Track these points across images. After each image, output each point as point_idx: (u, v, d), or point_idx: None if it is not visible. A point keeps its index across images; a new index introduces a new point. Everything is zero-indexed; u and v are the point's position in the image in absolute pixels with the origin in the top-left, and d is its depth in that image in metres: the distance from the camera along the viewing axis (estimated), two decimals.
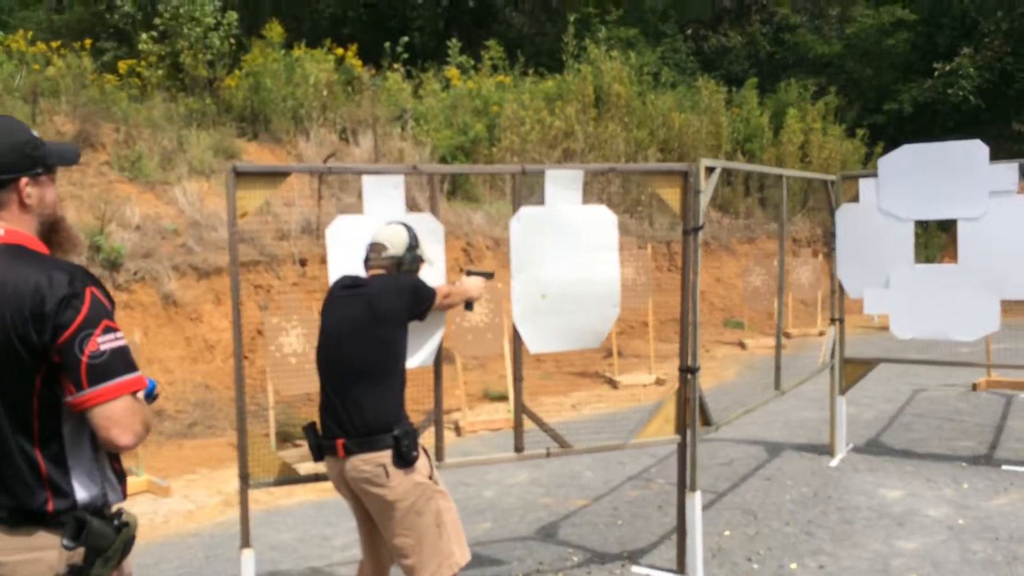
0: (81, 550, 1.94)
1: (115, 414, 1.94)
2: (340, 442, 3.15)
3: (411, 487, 3.14)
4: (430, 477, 3.22)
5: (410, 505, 3.14)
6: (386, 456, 3.12)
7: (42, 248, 2.06)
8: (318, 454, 3.28)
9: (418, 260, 3.49)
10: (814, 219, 17.85)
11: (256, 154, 11.18)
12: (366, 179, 3.92)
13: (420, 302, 3.36)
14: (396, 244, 3.40)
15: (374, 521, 3.30)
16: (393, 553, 3.27)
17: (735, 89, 19.39)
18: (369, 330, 3.20)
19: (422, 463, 3.20)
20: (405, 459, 3.12)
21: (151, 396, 2.16)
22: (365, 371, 3.18)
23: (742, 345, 12.62)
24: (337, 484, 3.31)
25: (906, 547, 4.73)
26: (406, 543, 3.17)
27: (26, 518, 1.95)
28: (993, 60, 21.33)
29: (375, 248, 3.41)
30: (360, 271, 3.48)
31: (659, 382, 9.88)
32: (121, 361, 1.97)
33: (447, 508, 3.26)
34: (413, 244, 3.45)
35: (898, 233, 5.94)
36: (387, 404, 3.19)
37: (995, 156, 5.78)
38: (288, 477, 3.84)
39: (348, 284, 3.37)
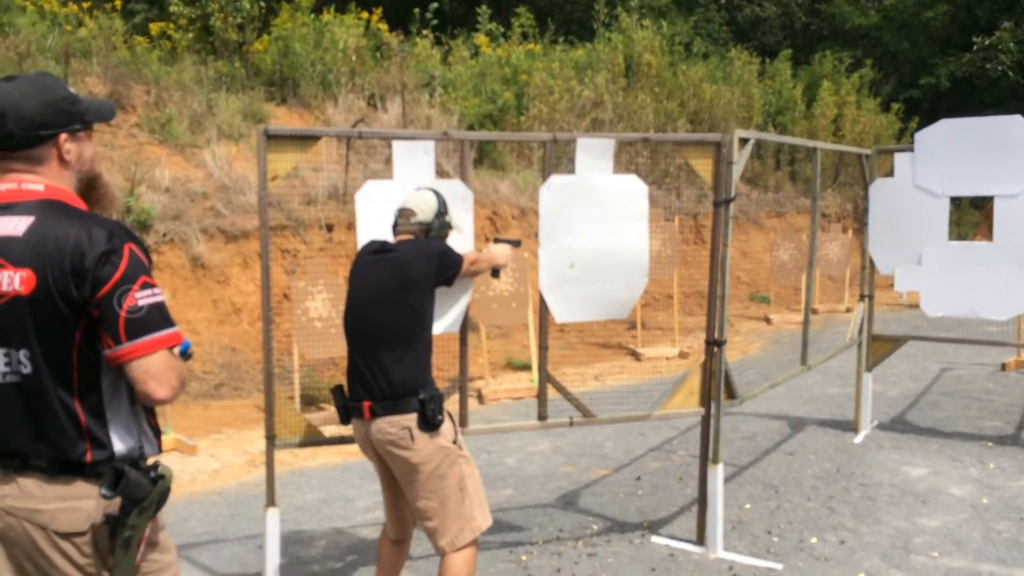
0: (118, 500, 1.97)
1: (152, 368, 1.97)
2: (366, 405, 3.18)
3: (435, 451, 3.17)
4: (454, 442, 3.24)
5: (434, 468, 3.16)
6: (411, 419, 3.14)
7: (81, 205, 2.08)
8: (345, 416, 3.31)
9: (446, 226, 3.49)
10: (844, 194, 17.62)
11: (285, 119, 11.19)
12: (396, 144, 3.91)
13: (448, 268, 3.36)
14: (425, 210, 3.40)
15: (398, 484, 3.34)
16: (416, 516, 3.30)
17: (768, 60, 19.09)
18: (397, 295, 3.21)
19: (447, 427, 3.23)
20: (430, 423, 3.15)
21: (185, 355, 2.19)
22: (392, 336, 3.20)
23: (768, 320, 12.54)
24: (363, 446, 3.34)
25: (929, 525, 4.71)
26: (429, 506, 3.20)
27: (65, 468, 1.99)
28: None
29: (404, 214, 3.41)
30: (389, 236, 3.49)
31: (683, 355, 9.85)
32: (159, 316, 2.00)
33: (470, 473, 3.28)
34: (442, 210, 3.45)
35: (933, 209, 5.84)
36: (414, 369, 3.21)
37: None
38: (313, 439, 3.88)
39: (376, 249, 3.37)
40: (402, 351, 3.19)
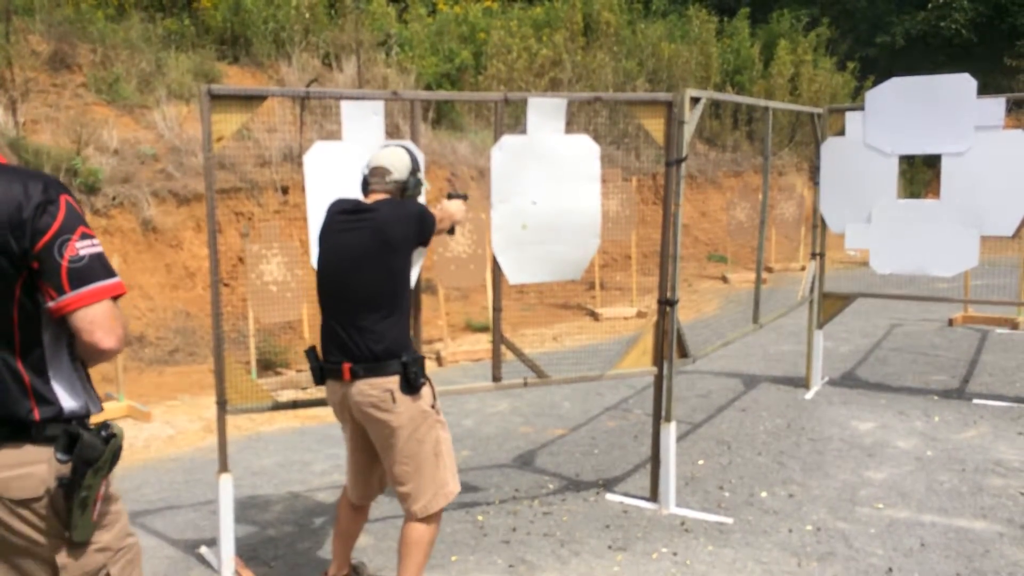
0: (69, 463, 1.96)
1: (97, 317, 1.95)
2: (347, 366, 3.11)
3: (416, 414, 3.14)
4: (433, 406, 3.22)
5: (412, 432, 3.13)
6: (394, 382, 3.09)
7: (1, 158, 2.04)
8: (320, 378, 3.25)
9: (420, 184, 3.40)
10: (801, 153, 17.78)
11: (237, 78, 10.95)
12: (345, 105, 3.86)
13: (426, 229, 3.28)
14: (400, 168, 3.30)
15: (370, 449, 3.30)
16: (391, 479, 3.26)
17: (727, 19, 19.07)
18: (378, 258, 3.12)
19: (426, 391, 3.20)
20: (412, 385, 3.11)
21: None
22: (373, 298, 3.12)
23: (724, 279, 12.68)
24: (339, 409, 3.27)
25: (875, 477, 4.84)
26: (405, 471, 3.17)
27: (13, 432, 1.96)
28: None
29: (378, 172, 3.29)
30: (340, 195, 3.40)
31: (640, 315, 9.94)
32: (100, 266, 1.98)
33: (445, 439, 3.27)
34: (415, 167, 3.37)
35: (882, 168, 5.92)
36: (395, 331, 3.15)
37: (986, 91, 5.74)
38: (266, 404, 3.86)
39: (349, 209, 3.24)
40: (383, 313, 3.13)
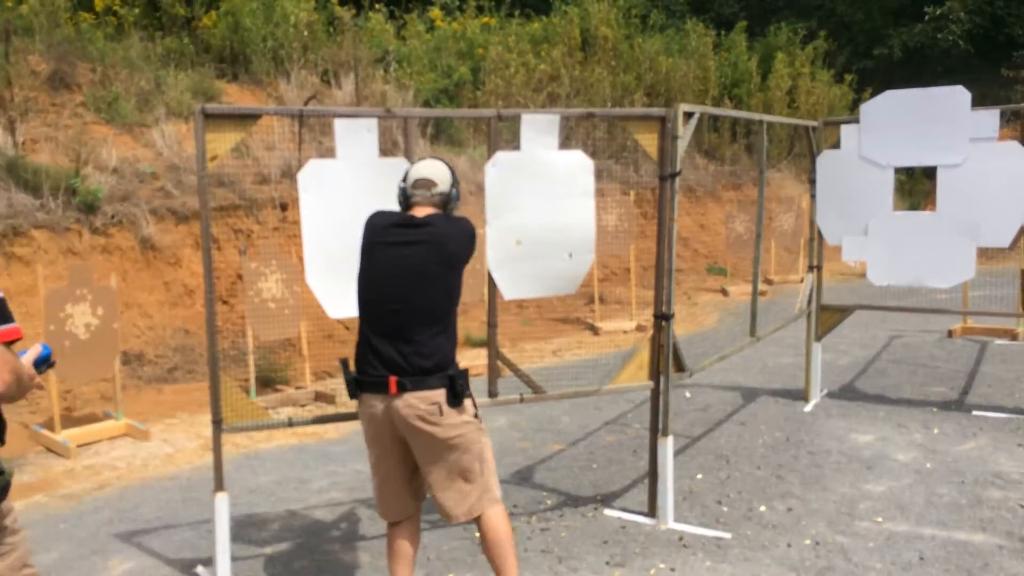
0: None
1: None
2: (393, 379, 3.09)
3: (460, 425, 3.17)
4: (475, 416, 3.27)
5: (458, 443, 3.16)
6: (441, 395, 3.11)
7: None
8: (355, 391, 3.23)
9: (459, 196, 3.41)
10: (800, 165, 17.80)
11: (236, 96, 11.00)
12: (338, 123, 3.88)
13: (474, 247, 3.31)
14: (443, 180, 3.31)
15: (408, 460, 3.27)
16: (433, 487, 3.25)
17: (724, 33, 19.14)
18: (437, 273, 3.13)
19: (469, 402, 3.24)
20: (459, 398, 3.15)
21: (47, 362, 2.21)
22: (430, 314, 3.13)
23: (724, 292, 12.67)
24: (377, 421, 3.20)
25: (874, 490, 4.82)
26: (448, 479, 3.20)
27: None
28: (984, 4, 21.10)
29: (424, 184, 3.28)
30: (335, 213, 3.41)
31: (640, 328, 9.92)
32: None
33: (488, 445, 3.32)
34: (455, 180, 3.38)
35: (878, 180, 5.93)
36: (446, 346, 3.17)
37: (983, 102, 5.75)
38: (262, 422, 3.85)
39: (401, 222, 3.22)
40: (438, 329, 3.15)
